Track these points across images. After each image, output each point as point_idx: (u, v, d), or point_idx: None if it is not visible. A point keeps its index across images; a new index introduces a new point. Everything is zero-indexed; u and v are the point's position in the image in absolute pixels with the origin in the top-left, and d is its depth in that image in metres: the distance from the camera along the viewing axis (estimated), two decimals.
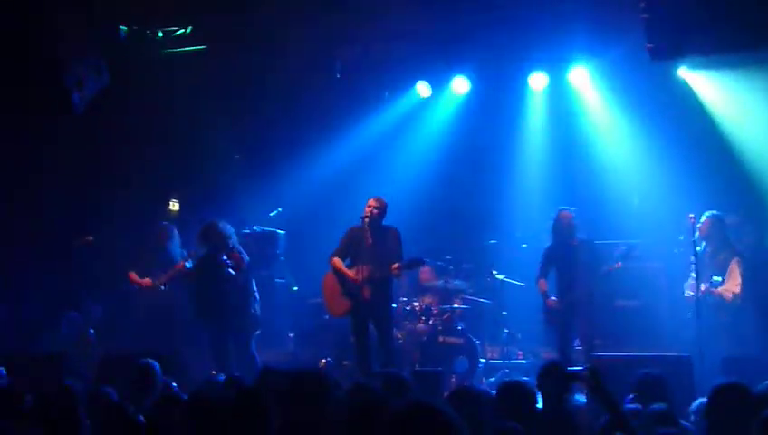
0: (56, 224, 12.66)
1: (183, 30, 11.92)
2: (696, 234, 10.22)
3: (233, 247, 10.83)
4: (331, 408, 5.15)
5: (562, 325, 10.66)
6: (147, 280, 11.67)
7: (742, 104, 12.00)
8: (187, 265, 11.44)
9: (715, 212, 10.46)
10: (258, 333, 10.94)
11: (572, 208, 10.90)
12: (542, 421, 6.22)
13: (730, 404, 5.48)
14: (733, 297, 10.17)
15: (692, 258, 10.33)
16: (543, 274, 10.85)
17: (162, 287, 11.62)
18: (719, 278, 10.21)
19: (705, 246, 10.35)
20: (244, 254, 10.92)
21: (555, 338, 10.90)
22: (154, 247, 11.91)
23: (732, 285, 10.22)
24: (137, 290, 11.71)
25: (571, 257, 10.62)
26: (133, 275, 11.74)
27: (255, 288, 10.97)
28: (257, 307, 10.90)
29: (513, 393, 6.16)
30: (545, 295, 10.77)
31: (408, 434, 3.17)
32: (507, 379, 6.86)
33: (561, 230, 10.76)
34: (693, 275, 10.36)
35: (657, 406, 6.11)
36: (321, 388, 5.28)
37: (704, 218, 10.40)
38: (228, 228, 10.93)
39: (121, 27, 10.90)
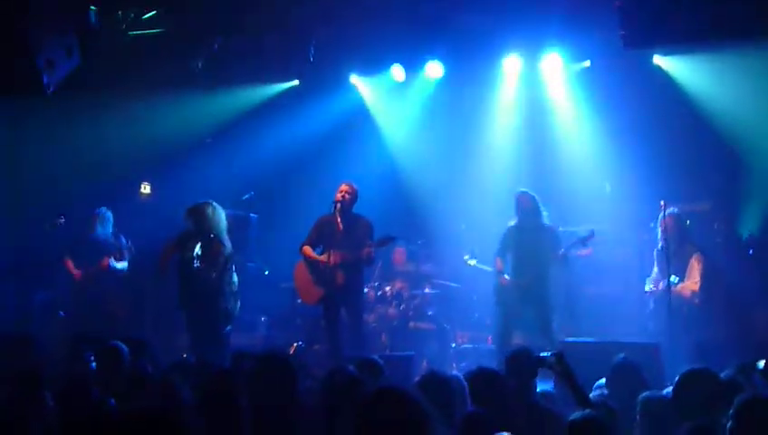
0: (28, 205, 12.56)
1: (152, 12, 11.78)
2: (659, 229, 10.30)
3: (213, 238, 10.22)
4: (299, 391, 5.16)
5: (507, 307, 10.78)
6: (77, 272, 11.71)
7: (715, 89, 12.01)
8: (116, 264, 11.58)
9: (674, 210, 10.51)
10: (228, 328, 10.38)
11: (528, 191, 10.98)
12: (511, 407, 6.24)
13: (698, 389, 5.53)
14: (691, 295, 10.28)
15: (654, 253, 10.45)
16: (501, 253, 10.98)
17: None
18: (675, 279, 10.23)
19: (668, 243, 10.40)
20: (226, 246, 10.28)
21: (498, 321, 11.02)
22: (83, 235, 11.92)
23: (691, 283, 10.32)
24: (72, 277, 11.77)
25: (528, 240, 10.70)
26: (69, 263, 11.75)
27: (234, 280, 10.36)
28: (230, 303, 10.26)
29: (484, 379, 6.18)
30: (499, 273, 10.87)
31: (378, 419, 3.18)
32: (477, 365, 6.86)
33: (520, 212, 10.84)
34: (655, 269, 10.47)
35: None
36: (288, 371, 5.29)
37: (664, 216, 10.41)
38: (218, 215, 10.35)
39: (91, 8, 10.72)
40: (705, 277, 10.39)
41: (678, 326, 9.89)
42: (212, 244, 10.18)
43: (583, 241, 10.82)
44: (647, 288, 10.66)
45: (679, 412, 5.49)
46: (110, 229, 11.95)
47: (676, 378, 5.76)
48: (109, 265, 11.61)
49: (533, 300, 10.67)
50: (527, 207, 10.80)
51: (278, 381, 5.17)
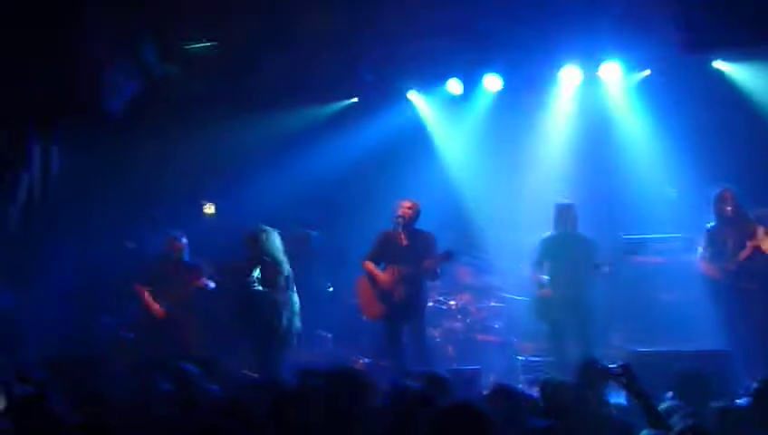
0: (98, 230, 12.74)
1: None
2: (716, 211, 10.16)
3: (269, 261, 10.37)
4: (369, 407, 5.16)
5: (554, 322, 10.62)
6: (157, 309, 11.15)
7: None
8: (209, 284, 11.20)
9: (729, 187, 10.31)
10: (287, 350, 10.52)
11: (570, 202, 10.92)
12: (581, 419, 6.19)
13: None
14: None
15: (705, 233, 10.29)
16: (538, 264, 10.83)
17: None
18: None
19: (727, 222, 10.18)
20: (283, 268, 10.43)
21: (546, 333, 10.90)
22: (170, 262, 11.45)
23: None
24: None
25: (566, 251, 10.57)
26: (146, 294, 11.28)
27: (294, 301, 10.48)
28: (290, 322, 10.41)
29: (554, 391, 6.15)
30: (540, 285, 10.72)
31: (453, 432, 3.17)
32: (548, 377, 6.83)
33: (560, 222, 10.74)
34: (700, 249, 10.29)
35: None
36: (360, 386, 5.28)
37: (727, 194, 10.24)
38: (271, 240, 10.49)
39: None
40: None
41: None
42: (269, 267, 10.32)
43: (630, 251, 10.67)
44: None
45: (759, 422, 5.42)
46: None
47: (754, 385, 5.69)
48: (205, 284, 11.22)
49: (575, 312, 10.50)
50: (566, 217, 10.74)
51: (350, 397, 5.17)
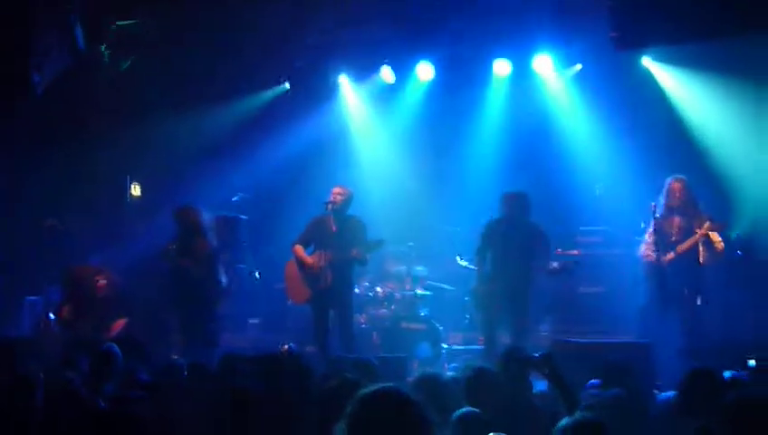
0: (19, 208, 12.50)
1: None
2: (665, 200, 10.23)
3: (197, 236, 10.42)
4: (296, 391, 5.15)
5: (489, 310, 10.45)
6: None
7: (704, 96, 12.12)
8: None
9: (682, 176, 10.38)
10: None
11: (519, 191, 10.60)
12: (506, 407, 6.25)
13: (701, 388, 5.59)
14: (722, 248, 10.13)
15: (652, 221, 10.24)
16: (481, 251, 10.56)
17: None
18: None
19: (671, 212, 10.29)
20: (211, 244, 10.50)
21: (481, 323, 10.76)
22: None
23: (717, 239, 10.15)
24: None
25: (510, 239, 10.30)
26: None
27: (221, 279, 10.55)
28: (217, 300, 10.55)
29: (478, 379, 6.20)
30: (480, 279, 10.54)
31: (375, 420, 3.17)
32: (472, 364, 6.89)
33: (508, 209, 10.42)
34: (649, 237, 10.32)
35: (614, 391, 6.17)
36: (285, 371, 5.27)
37: (677, 184, 10.29)
38: (201, 217, 10.56)
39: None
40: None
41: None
42: (197, 242, 10.36)
43: (562, 270, 10.39)
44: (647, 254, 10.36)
45: (687, 412, 5.54)
46: None
47: (683, 377, 5.81)
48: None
49: (511, 302, 10.33)
50: (515, 204, 10.41)
51: (276, 381, 5.15)
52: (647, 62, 12.51)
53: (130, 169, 13.73)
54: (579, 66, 12.99)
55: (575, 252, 12.01)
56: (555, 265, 10.36)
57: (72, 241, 12.15)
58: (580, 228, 12.36)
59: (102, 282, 10.87)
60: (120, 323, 10.69)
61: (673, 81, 12.48)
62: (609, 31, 9.49)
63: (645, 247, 10.40)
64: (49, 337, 11.05)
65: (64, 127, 12.47)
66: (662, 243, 10.17)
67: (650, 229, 10.26)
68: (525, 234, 10.32)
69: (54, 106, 11.48)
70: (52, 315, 11.59)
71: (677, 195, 10.20)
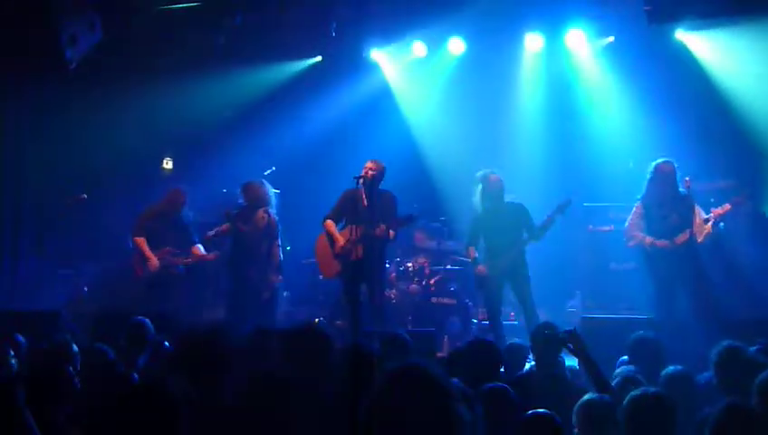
0: (51, 183, 12.60)
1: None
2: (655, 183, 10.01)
3: (261, 209, 10.93)
4: (330, 365, 5.15)
5: (490, 292, 10.49)
6: (154, 261, 10.99)
7: (740, 65, 11.96)
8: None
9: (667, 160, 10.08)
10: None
11: (493, 171, 10.55)
12: (534, 382, 6.27)
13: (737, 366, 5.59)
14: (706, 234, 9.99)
15: (639, 206, 10.17)
16: (472, 241, 10.63)
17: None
18: None
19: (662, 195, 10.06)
20: (274, 216, 11.04)
21: (485, 303, 10.81)
22: (166, 214, 11.32)
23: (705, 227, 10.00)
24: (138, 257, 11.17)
25: (498, 222, 10.34)
26: (142, 244, 11.12)
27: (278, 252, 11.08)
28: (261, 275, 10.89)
29: (474, 354, 6.26)
30: (474, 263, 10.59)
31: (403, 395, 3.18)
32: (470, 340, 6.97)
33: (488, 195, 10.44)
34: (632, 222, 10.20)
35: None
36: (321, 343, 5.28)
37: (667, 167, 9.97)
38: (266, 189, 11.10)
39: None
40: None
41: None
42: (257, 214, 10.90)
43: (561, 209, 10.18)
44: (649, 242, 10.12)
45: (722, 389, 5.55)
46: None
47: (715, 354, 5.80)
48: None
49: (512, 282, 10.41)
50: (494, 189, 10.40)
51: (312, 351, 5.15)
52: (680, 34, 12.36)
53: (162, 143, 13.79)
54: (611, 38, 12.87)
55: (608, 227, 11.95)
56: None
57: (105, 215, 12.23)
58: (614, 204, 12.27)
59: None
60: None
61: (708, 49, 12.31)
62: (642, 4, 9.38)
63: (632, 227, 10.22)
64: (82, 309, 11.18)
65: (96, 100, 12.52)
66: (654, 225, 10.03)
67: (638, 210, 10.15)
68: (511, 212, 10.40)
69: (86, 80, 11.50)
70: (85, 289, 11.74)
71: (670, 178, 10.00)
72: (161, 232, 11.14)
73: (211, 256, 11.22)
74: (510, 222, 10.34)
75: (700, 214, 9.97)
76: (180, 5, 11.65)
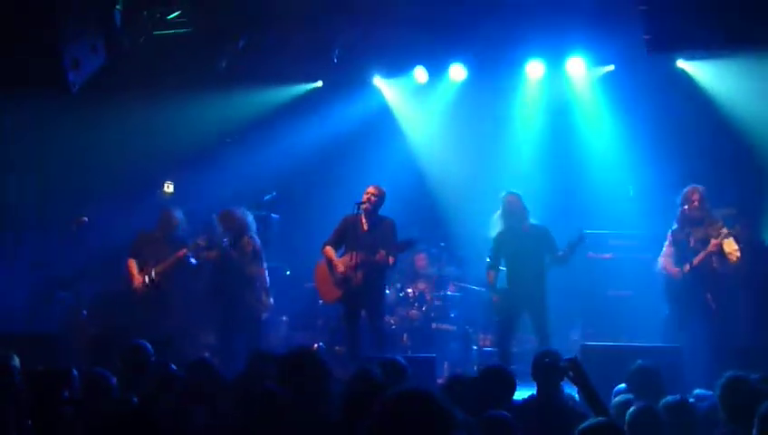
0: (51, 205, 12.61)
1: (177, 12, 11.80)
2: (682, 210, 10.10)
3: (242, 235, 10.92)
4: (324, 390, 5.16)
5: (505, 319, 10.44)
6: (137, 280, 10.98)
7: (739, 95, 12.00)
8: (191, 259, 11.15)
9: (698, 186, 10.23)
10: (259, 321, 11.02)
11: (514, 191, 10.53)
12: (534, 410, 6.26)
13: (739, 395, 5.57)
14: (737, 259, 9.98)
15: (671, 232, 10.25)
16: (494, 263, 10.52)
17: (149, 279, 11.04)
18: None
19: (688, 222, 10.17)
20: (256, 242, 11.01)
21: (497, 328, 10.79)
22: (160, 237, 11.32)
23: (733, 250, 10.01)
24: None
25: (520, 244, 10.30)
26: (132, 265, 11.13)
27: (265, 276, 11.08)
28: (256, 298, 10.95)
29: (490, 380, 6.24)
30: (492, 289, 10.56)
31: (403, 421, 3.17)
32: (486, 365, 6.96)
33: (509, 216, 10.41)
34: (667, 249, 10.25)
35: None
36: (318, 369, 5.28)
37: (694, 193, 10.15)
38: (246, 217, 11.09)
39: (117, 7, 10.71)
40: (745, 250, 10.07)
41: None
42: (242, 241, 10.84)
43: (572, 248, 10.15)
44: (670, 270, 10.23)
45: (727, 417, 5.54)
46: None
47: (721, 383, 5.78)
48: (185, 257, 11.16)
49: (530, 306, 10.31)
50: (515, 209, 10.39)
51: (309, 377, 5.16)
52: (681, 63, 12.43)
53: (163, 166, 13.80)
54: (611, 67, 12.93)
55: (607, 255, 11.97)
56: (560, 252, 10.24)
57: (103, 239, 12.23)
58: (613, 231, 12.29)
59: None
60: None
61: (707, 80, 12.37)
62: (642, 33, 9.40)
63: (664, 260, 10.34)
64: (80, 332, 11.15)
65: (97, 122, 12.55)
66: (681, 254, 10.09)
67: (668, 241, 10.23)
68: (533, 236, 10.35)
69: (87, 103, 11.53)
70: (84, 312, 11.71)
71: (695, 204, 10.07)
72: (157, 254, 11.12)
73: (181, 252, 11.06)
74: (532, 245, 10.28)
75: (723, 233, 9.98)
76: (177, 30, 11.70)
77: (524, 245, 10.29)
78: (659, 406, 5.82)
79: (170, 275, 11.09)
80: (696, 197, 10.09)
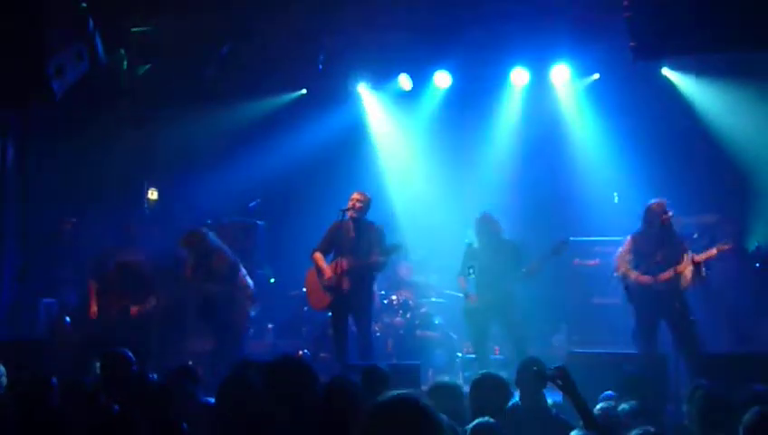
0: (35, 211, 12.54)
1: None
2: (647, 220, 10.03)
3: (213, 256, 10.81)
4: (312, 396, 5.13)
5: (478, 325, 10.66)
6: (93, 310, 10.89)
7: (723, 104, 12.08)
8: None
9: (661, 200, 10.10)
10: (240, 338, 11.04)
11: (487, 212, 10.81)
12: (519, 417, 6.24)
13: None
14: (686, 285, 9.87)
15: (632, 238, 10.16)
16: (464, 271, 10.76)
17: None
18: None
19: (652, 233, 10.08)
20: (229, 256, 10.92)
21: (471, 335, 10.96)
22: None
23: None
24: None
25: (491, 257, 10.52)
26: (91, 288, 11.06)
27: (248, 284, 11.10)
28: (240, 313, 10.98)
29: (487, 387, 6.21)
30: (465, 293, 10.78)
31: (390, 428, 3.15)
32: (482, 372, 6.94)
33: (481, 233, 10.72)
34: (628, 255, 10.14)
35: (631, 403, 6.17)
36: (304, 376, 5.26)
37: (659, 206, 10.01)
38: (210, 236, 10.93)
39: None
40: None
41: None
42: (213, 261, 10.76)
43: (556, 251, 10.42)
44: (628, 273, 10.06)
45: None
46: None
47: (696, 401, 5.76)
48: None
49: (501, 317, 10.58)
50: (487, 228, 10.70)
51: (295, 384, 5.13)
52: (666, 71, 12.49)
53: (148, 174, 13.77)
54: (596, 75, 12.97)
55: (593, 262, 11.97)
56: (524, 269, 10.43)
57: (88, 244, 12.18)
58: (599, 238, 12.29)
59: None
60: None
61: (693, 89, 12.46)
62: (627, 40, 9.42)
63: (620, 262, 10.20)
64: (64, 339, 11.09)
65: (82, 131, 12.50)
66: (642, 262, 10.04)
67: (628, 246, 10.16)
68: (504, 251, 10.55)
69: (71, 111, 11.49)
70: (68, 319, 11.64)
71: (662, 217, 10.03)
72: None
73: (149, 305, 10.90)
74: (503, 258, 10.48)
75: (689, 258, 9.94)
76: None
77: (497, 257, 10.49)
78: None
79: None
80: (661, 208, 10.02)
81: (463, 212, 12.92)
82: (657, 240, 9.97)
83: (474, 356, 11.34)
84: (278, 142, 13.71)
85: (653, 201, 10.06)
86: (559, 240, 10.49)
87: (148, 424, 5.10)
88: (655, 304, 9.75)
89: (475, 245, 10.77)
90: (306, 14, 11.48)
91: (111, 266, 11.06)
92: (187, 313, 11.56)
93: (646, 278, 9.90)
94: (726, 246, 9.91)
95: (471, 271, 10.65)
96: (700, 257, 9.76)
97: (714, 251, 9.83)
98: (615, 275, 10.29)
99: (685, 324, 9.72)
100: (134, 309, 10.73)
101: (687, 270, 9.79)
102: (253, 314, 11.29)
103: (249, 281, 11.14)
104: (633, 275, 9.97)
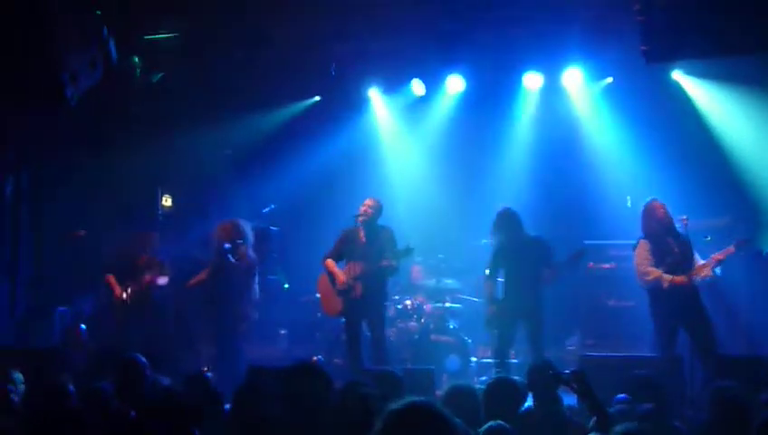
0: (50, 220, 12.61)
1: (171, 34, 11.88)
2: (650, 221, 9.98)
3: (239, 244, 10.98)
4: (327, 402, 5.14)
5: (503, 331, 10.35)
6: (118, 291, 11.23)
7: (735, 108, 12.07)
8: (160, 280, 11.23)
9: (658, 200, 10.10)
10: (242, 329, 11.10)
11: (509, 207, 10.48)
12: (533, 421, 6.24)
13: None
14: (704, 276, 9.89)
15: (645, 243, 10.04)
16: (491, 275, 10.49)
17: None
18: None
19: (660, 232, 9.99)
20: (250, 254, 11.09)
21: (496, 340, 10.64)
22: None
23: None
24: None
25: (519, 256, 10.22)
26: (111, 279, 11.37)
27: (254, 289, 11.18)
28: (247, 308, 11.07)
29: (501, 391, 6.21)
30: (489, 300, 10.49)
31: (407, 433, 3.16)
32: (495, 376, 6.92)
33: (505, 229, 10.36)
34: (648, 257, 9.99)
35: (645, 406, 6.16)
36: (320, 382, 5.26)
37: (659, 204, 10.01)
38: (246, 229, 11.18)
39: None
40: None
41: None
42: (239, 249, 10.91)
43: (573, 261, 10.18)
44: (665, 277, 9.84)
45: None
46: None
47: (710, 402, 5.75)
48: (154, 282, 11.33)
49: (528, 315, 10.23)
50: (510, 223, 10.34)
51: (311, 390, 5.14)
52: (677, 75, 12.48)
53: (162, 181, 13.81)
54: (610, 79, 12.96)
55: (608, 265, 11.95)
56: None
57: (103, 252, 12.23)
58: (614, 242, 12.25)
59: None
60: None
61: (704, 94, 12.45)
62: (640, 44, 9.41)
63: (645, 263, 9.98)
64: (78, 347, 11.14)
65: (95, 139, 12.56)
66: (660, 262, 9.90)
67: (646, 245, 10.00)
68: (533, 248, 10.27)
69: (85, 118, 11.54)
70: (83, 326, 11.69)
71: (663, 215, 9.99)
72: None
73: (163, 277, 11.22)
74: (530, 256, 10.19)
75: (697, 256, 9.94)
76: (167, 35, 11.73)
77: (523, 256, 10.22)
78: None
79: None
80: (661, 206, 9.95)
81: (477, 216, 12.95)
82: (666, 238, 9.93)
83: (491, 361, 11.30)
84: (292, 149, 13.74)
85: (649, 200, 10.08)
86: (576, 250, 10.29)
87: (161, 430, 5.11)
88: (678, 305, 9.68)
89: (500, 241, 10.38)
90: (318, 21, 11.50)
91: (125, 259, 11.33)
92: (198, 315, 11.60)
93: (681, 278, 9.78)
94: (744, 242, 9.91)
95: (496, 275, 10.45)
96: (720, 255, 9.75)
97: (732, 248, 9.81)
98: (646, 280, 9.97)
99: (703, 326, 9.69)
100: (147, 277, 11.07)
101: (707, 269, 9.79)
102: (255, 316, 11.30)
103: (256, 287, 11.24)
104: (668, 278, 9.80)
